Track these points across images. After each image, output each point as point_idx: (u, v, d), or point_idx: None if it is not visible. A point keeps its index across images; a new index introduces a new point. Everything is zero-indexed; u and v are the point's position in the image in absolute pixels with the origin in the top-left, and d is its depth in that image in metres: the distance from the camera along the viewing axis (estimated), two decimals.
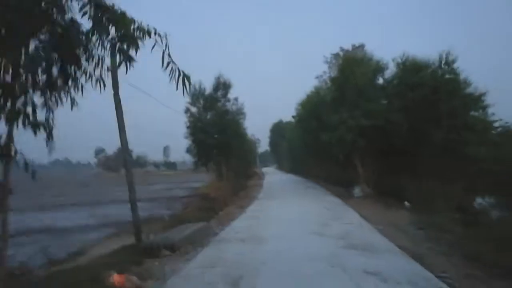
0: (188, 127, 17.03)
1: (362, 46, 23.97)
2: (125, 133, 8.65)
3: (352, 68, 15.27)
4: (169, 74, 4.02)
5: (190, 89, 3.94)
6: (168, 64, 4.01)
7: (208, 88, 17.46)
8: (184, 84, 3.99)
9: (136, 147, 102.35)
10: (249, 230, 9.23)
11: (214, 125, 16.90)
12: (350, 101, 15.11)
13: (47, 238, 15.04)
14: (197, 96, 17.20)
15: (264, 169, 76.50)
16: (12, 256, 6.83)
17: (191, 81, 4.05)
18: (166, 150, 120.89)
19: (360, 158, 15.83)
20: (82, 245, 10.32)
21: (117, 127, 8.59)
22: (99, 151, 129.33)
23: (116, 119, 8.57)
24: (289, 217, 11.13)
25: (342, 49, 23.03)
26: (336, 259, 6.09)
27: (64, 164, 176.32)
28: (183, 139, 17.21)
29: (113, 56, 8.14)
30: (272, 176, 47.37)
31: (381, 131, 14.71)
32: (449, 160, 13.71)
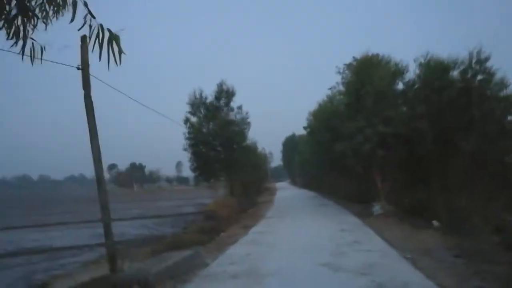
0: (187, 139, 15.58)
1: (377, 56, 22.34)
2: (97, 141, 7.23)
3: (369, 71, 13.65)
4: (89, 36, 2.51)
5: (120, 58, 2.33)
6: (85, 21, 2.51)
7: (210, 96, 16.13)
8: (112, 49, 2.48)
9: (149, 163, 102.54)
10: (246, 260, 7.56)
11: (216, 136, 15.41)
12: (367, 108, 13.45)
13: (38, 259, 14.11)
14: (197, 105, 15.83)
15: (277, 184, 74.62)
16: None
17: (122, 44, 2.52)
18: (178, 165, 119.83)
19: (379, 171, 14.01)
20: (49, 276, 8.87)
21: (88, 134, 7.19)
22: (111, 167, 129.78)
23: (92, 125, 7.19)
24: (298, 242, 9.36)
25: (355, 59, 21.43)
26: None
27: (79, 180, 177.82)
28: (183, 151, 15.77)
29: (83, 42, 6.88)
30: (284, 191, 45.41)
31: (403, 140, 12.98)
32: (483, 171, 11.86)
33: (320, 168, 28.50)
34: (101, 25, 2.52)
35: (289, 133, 65.01)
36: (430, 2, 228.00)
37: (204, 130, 15.71)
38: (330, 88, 21.69)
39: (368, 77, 13.48)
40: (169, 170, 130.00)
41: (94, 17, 2.51)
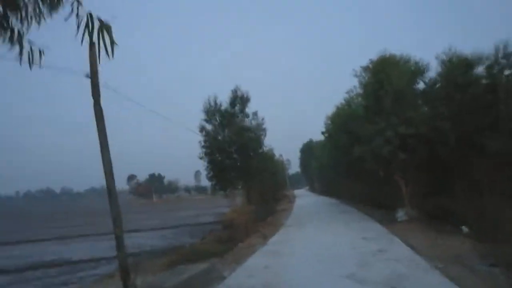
0: (203, 147, 15.33)
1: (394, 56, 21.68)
2: (108, 152, 7.01)
3: (387, 70, 13.12)
4: (77, 25, 2.23)
5: (113, 50, 2.03)
6: (72, 9, 2.24)
7: (225, 103, 15.88)
8: (103, 39, 2.19)
9: (168, 173, 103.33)
10: (265, 272, 7.16)
11: (232, 143, 15.11)
12: (386, 109, 12.91)
13: (57, 272, 14.25)
14: (212, 112, 15.60)
15: (296, 191, 73.68)
16: None
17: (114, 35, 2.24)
18: (197, 174, 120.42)
19: (402, 175, 13.38)
20: None
21: (99, 144, 6.98)
22: (131, 178, 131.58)
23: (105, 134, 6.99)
24: (319, 251, 8.91)
25: (371, 61, 20.85)
26: None
27: (99, 192, 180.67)
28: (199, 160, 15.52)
29: (91, 49, 6.66)
30: (303, 198, 44.67)
31: (424, 141, 12.36)
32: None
33: (339, 173, 27.81)
34: (90, 14, 2.25)
35: (306, 140, 64.33)
36: None
37: (220, 137, 15.44)
38: (347, 92, 21.30)
39: (387, 77, 12.95)
40: (188, 180, 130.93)
41: (81, 4, 2.24)
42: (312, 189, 72.14)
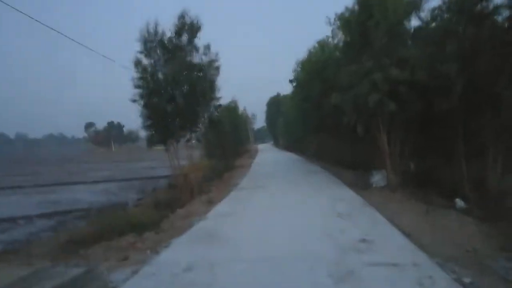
0: (137, 87, 11.62)
1: None
2: None
3: None
4: None
5: None
6: None
7: (169, 32, 12.00)
8: None
9: (128, 122, 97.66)
10: (185, 275, 4.25)
11: (175, 83, 11.54)
12: (375, 46, 9.87)
13: None
14: (151, 42, 11.79)
15: (260, 146, 71.77)
16: None
17: None
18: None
19: (385, 131, 10.66)
20: None
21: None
22: (89, 126, 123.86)
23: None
24: (274, 240, 6.04)
25: (348, 9, 17.30)
26: None
27: (58, 139, 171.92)
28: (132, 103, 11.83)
29: None
30: (266, 153, 42.24)
31: (421, 90, 9.62)
32: None
33: (307, 128, 25.16)
34: None
35: (274, 93, 61.24)
36: None
37: (160, 75, 11.82)
38: (318, 42, 17.97)
39: (379, 3, 9.77)
40: None
41: None
42: (277, 145, 70.61)
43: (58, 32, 9.29)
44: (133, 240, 7.01)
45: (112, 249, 6.48)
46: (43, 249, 7.22)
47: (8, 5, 7.64)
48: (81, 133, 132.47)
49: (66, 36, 9.94)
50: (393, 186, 10.59)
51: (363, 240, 5.53)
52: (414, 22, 10.84)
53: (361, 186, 11.52)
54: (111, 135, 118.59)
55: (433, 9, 9.80)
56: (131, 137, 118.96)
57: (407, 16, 10.51)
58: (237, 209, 8.81)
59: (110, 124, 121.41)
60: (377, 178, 11.73)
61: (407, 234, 6.00)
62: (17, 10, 7.79)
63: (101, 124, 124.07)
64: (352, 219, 7.05)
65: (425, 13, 10.40)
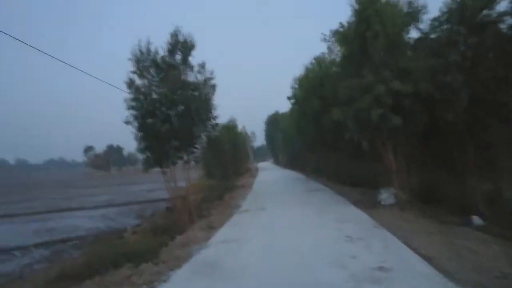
0: (131, 108, 11.20)
1: None
2: None
3: (377, 7, 9.66)
4: None
5: None
6: None
7: (162, 51, 11.70)
8: None
9: (128, 145, 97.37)
10: None
11: (170, 103, 11.13)
12: (374, 58, 9.58)
13: None
14: (144, 61, 11.47)
15: (260, 164, 71.06)
16: None
17: None
18: None
19: (392, 146, 10.24)
20: None
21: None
22: (88, 150, 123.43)
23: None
24: (280, 264, 5.53)
25: (342, 26, 17.22)
26: None
27: (58, 163, 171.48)
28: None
29: None
30: (267, 172, 41.64)
31: (425, 102, 9.29)
32: None
33: (306, 145, 24.76)
34: None
35: (272, 112, 61.21)
36: None
37: (155, 96, 11.46)
38: (315, 59, 17.84)
39: (376, 14, 9.53)
40: None
41: None
42: (277, 162, 70.08)
43: (63, 61, 9.13)
44: (129, 272, 6.48)
45: (105, 285, 5.97)
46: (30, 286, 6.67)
47: (9, 35, 7.43)
48: (80, 157, 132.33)
49: (67, 63, 9.71)
50: (402, 203, 10.09)
51: (380, 268, 5.01)
52: (414, 34, 10.67)
53: (368, 205, 10.99)
54: (111, 158, 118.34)
55: (433, 20, 9.58)
56: (131, 160, 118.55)
57: (406, 27, 10.30)
58: (239, 235, 8.26)
59: (110, 147, 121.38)
60: (385, 196, 11.18)
61: (428, 259, 5.48)
62: (16, 38, 7.50)
63: (100, 148, 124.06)
64: (363, 243, 6.52)
65: (424, 24, 10.25)
